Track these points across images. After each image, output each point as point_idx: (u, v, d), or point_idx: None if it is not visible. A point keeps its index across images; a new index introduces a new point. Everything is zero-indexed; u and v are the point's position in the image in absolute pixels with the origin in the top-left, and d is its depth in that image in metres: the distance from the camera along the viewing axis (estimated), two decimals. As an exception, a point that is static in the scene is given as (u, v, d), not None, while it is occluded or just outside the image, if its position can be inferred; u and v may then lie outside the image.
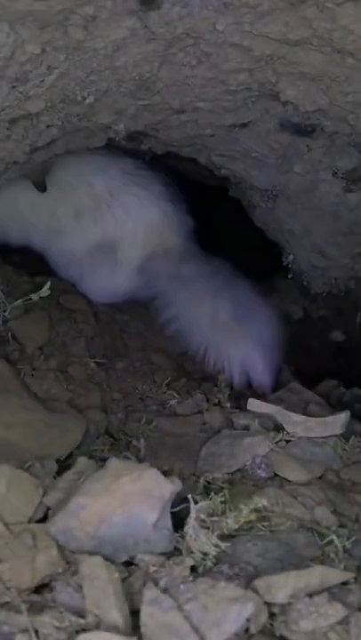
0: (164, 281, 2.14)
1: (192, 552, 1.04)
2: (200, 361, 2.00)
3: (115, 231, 2.16)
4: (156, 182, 2.23)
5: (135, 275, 2.19)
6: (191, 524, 1.07)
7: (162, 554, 1.04)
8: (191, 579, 0.97)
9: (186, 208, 2.27)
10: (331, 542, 1.13)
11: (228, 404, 1.74)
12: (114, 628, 0.86)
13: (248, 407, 1.66)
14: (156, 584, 0.95)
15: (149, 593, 0.90)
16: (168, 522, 1.06)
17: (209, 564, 1.03)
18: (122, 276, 2.18)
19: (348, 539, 1.14)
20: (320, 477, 1.44)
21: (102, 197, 2.16)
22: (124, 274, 2.17)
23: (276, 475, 1.42)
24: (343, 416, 1.59)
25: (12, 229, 2.26)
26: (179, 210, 2.25)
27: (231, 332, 1.95)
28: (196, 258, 2.20)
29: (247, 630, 0.89)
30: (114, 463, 1.11)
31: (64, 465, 1.36)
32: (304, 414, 1.61)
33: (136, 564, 1.03)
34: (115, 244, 2.16)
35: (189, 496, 1.10)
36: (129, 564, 1.04)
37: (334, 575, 0.99)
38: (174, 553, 1.05)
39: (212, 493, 1.23)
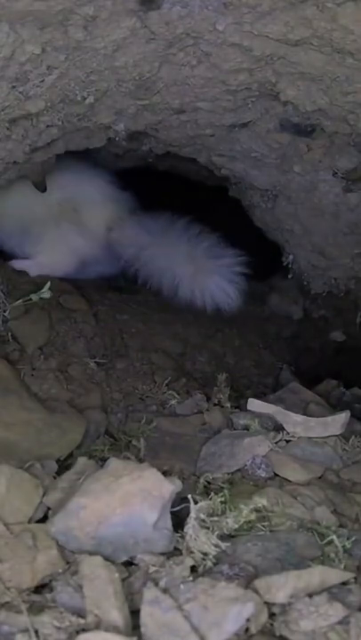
0: (132, 249, 2.38)
1: (192, 552, 1.04)
2: (173, 295, 2.29)
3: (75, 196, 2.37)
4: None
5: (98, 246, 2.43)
6: (191, 524, 1.07)
7: (162, 554, 1.04)
8: (191, 579, 0.97)
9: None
10: (331, 542, 1.12)
11: (228, 404, 1.74)
12: (114, 628, 0.86)
13: (248, 407, 1.66)
14: (156, 584, 0.95)
15: (149, 593, 0.90)
16: (168, 522, 1.06)
17: (209, 563, 1.03)
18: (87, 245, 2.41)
19: (348, 539, 1.14)
20: (320, 477, 1.44)
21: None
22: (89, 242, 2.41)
23: (276, 475, 1.42)
24: (343, 416, 1.59)
25: None
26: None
27: (203, 265, 2.27)
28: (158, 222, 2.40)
29: (247, 630, 0.89)
30: (114, 463, 1.11)
31: (64, 465, 1.36)
32: (304, 414, 1.61)
33: (136, 564, 1.03)
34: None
35: (189, 496, 1.10)
36: (129, 563, 1.04)
37: (334, 575, 0.99)
38: (174, 553, 1.05)
39: (212, 493, 1.23)
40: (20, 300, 1.80)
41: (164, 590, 0.93)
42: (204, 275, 2.26)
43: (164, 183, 2.89)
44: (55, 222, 2.34)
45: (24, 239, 2.35)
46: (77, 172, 2.37)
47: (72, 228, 2.35)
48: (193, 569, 1.01)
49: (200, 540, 1.05)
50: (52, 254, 2.32)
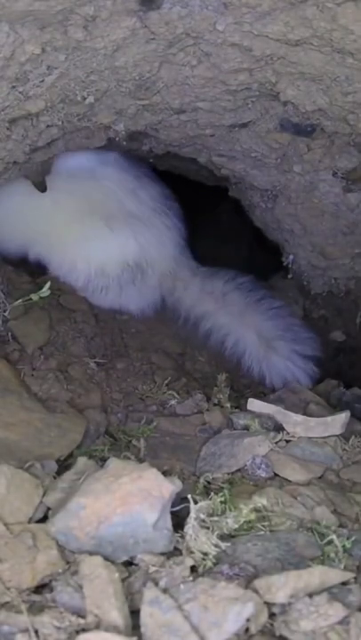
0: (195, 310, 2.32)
1: (192, 552, 1.04)
2: (244, 371, 2.24)
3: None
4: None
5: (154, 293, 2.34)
6: (191, 524, 1.07)
7: (162, 554, 1.04)
8: (191, 579, 0.97)
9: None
10: (331, 542, 1.12)
11: (228, 404, 1.74)
12: (114, 628, 0.86)
13: (248, 407, 1.66)
14: (156, 584, 0.95)
15: (149, 593, 0.90)
16: (168, 522, 1.06)
17: (209, 563, 1.03)
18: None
19: (348, 539, 1.14)
20: (320, 477, 1.44)
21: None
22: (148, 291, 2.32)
23: (276, 475, 1.42)
24: (343, 416, 1.59)
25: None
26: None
27: (275, 346, 2.22)
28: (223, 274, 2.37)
29: (247, 630, 0.89)
30: (114, 463, 1.11)
31: (64, 465, 1.36)
32: (304, 414, 1.61)
33: (136, 564, 1.03)
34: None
35: (189, 496, 1.10)
36: (129, 563, 1.04)
37: (334, 575, 0.99)
38: (174, 553, 1.05)
39: (212, 493, 1.23)
40: (20, 300, 1.80)
41: (164, 590, 0.93)
42: (276, 355, 2.20)
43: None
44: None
45: None
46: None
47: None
48: (193, 569, 1.01)
49: (200, 540, 1.05)
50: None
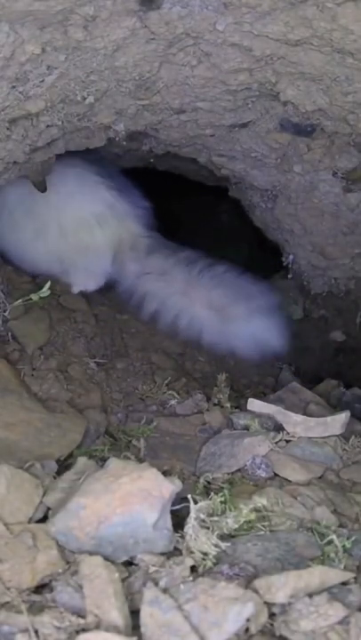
0: (133, 277, 2.19)
1: (192, 552, 1.04)
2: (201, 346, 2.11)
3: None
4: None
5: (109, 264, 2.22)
6: (191, 524, 1.07)
7: (162, 554, 1.04)
8: (191, 579, 0.97)
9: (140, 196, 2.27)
10: (331, 542, 1.12)
11: (228, 404, 1.74)
12: (114, 628, 0.86)
13: (248, 407, 1.66)
14: (156, 584, 0.95)
15: (149, 593, 0.90)
16: (168, 522, 1.06)
17: (209, 564, 1.03)
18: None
19: (348, 539, 1.14)
20: (320, 477, 1.44)
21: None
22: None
23: (276, 475, 1.42)
24: (343, 416, 1.59)
25: None
26: (127, 199, 2.24)
27: (230, 313, 2.05)
28: (164, 250, 2.22)
29: (247, 630, 0.89)
30: (114, 463, 1.11)
31: (64, 465, 1.36)
32: (304, 414, 1.61)
33: (136, 564, 1.03)
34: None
35: (189, 496, 1.10)
36: (129, 563, 1.04)
37: (334, 575, 0.99)
38: (174, 553, 1.05)
39: (212, 493, 1.23)
40: (20, 300, 1.80)
41: (164, 590, 0.93)
42: (234, 321, 2.06)
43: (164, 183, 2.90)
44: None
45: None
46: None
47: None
48: (193, 569, 1.01)
49: (200, 540, 1.05)
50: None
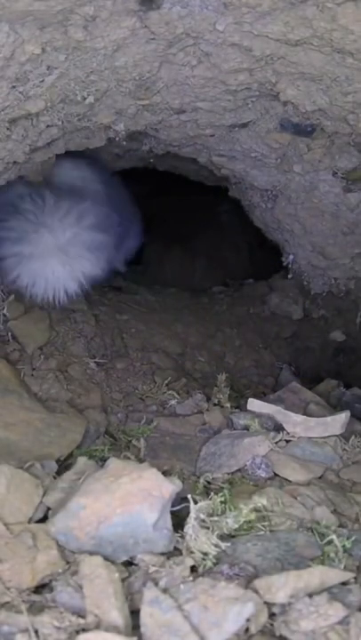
0: None
1: (192, 552, 1.04)
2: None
3: None
4: None
5: None
6: (191, 524, 1.07)
7: (162, 554, 1.04)
8: (191, 579, 0.97)
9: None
10: (331, 542, 1.12)
11: (228, 404, 1.74)
12: (114, 628, 0.86)
13: (248, 407, 1.66)
14: (156, 584, 0.95)
15: (149, 593, 0.90)
16: (168, 522, 1.06)
17: (209, 564, 1.03)
18: None
19: (348, 539, 1.14)
20: (320, 477, 1.44)
21: None
22: None
23: (276, 475, 1.42)
24: (343, 416, 1.59)
25: None
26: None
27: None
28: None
29: (247, 630, 0.89)
30: (114, 463, 1.11)
31: (64, 465, 1.36)
32: (304, 414, 1.61)
33: (136, 564, 1.03)
34: None
35: (189, 496, 1.10)
36: (129, 563, 1.04)
37: (334, 575, 0.99)
38: (174, 553, 1.05)
39: (212, 493, 1.23)
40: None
41: (164, 590, 0.93)
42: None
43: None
44: None
45: None
46: None
47: None
48: (193, 569, 1.01)
49: (200, 540, 1.05)
50: None
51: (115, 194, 2.27)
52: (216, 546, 1.06)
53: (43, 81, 1.46)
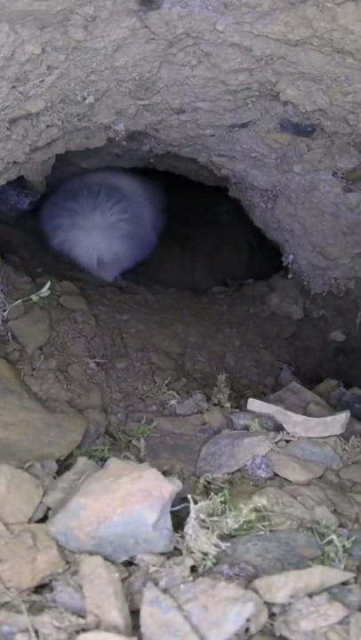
0: None
1: (192, 552, 1.04)
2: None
3: None
4: None
5: None
6: (191, 524, 1.07)
7: (162, 554, 1.04)
8: (191, 579, 0.97)
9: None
10: (331, 542, 1.12)
11: (228, 404, 1.74)
12: (114, 628, 0.86)
13: (248, 407, 1.66)
14: (156, 584, 0.95)
15: (149, 593, 0.90)
16: (168, 522, 1.06)
17: (209, 564, 1.03)
18: None
19: (348, 539, 1.14)
20: (320, 477, 1.44)
21: None
22: None
23: (276, 475, 1.42)
24: (343, 416, 1.59)
25: None
26: None
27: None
28: None
29: (247, 630, 0.89)
30: (114, 463, 1.11)
31: (64, 465, 1.36)
32: (304, 414, 1.61)
33: (136, 564, 1.03)
34: None
35: (189, 496, 1.10)
36: (129, 563, 1.04)
37: (334, 575, 0.99)
38: (174, 553, 1.05)
39: (212, 493, 1.23)
40: (20, 300, 1.80)
41: (164, 590, 0.93)
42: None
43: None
44: None
45: None
46: None
47: None
48: (193, 569, 1.01)
49: (200, 540, 1.05)
50: None
51: (154, 211, 3.00)
52: (216, 546, 1.06)
53: (43, 81, 1.46)
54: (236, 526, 1.13)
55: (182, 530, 1.07)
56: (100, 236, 2.66)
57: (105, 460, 1.18)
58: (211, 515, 1.13)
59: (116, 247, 2.70)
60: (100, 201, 2.66)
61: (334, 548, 1.11)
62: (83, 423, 1.51)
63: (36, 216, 2.83)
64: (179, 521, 1.09)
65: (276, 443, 1.49)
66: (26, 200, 2.71)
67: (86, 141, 1.90)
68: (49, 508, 1.13)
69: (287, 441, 1.53)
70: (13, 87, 1.43)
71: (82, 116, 1.70)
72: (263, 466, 1.42)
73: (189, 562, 1.01)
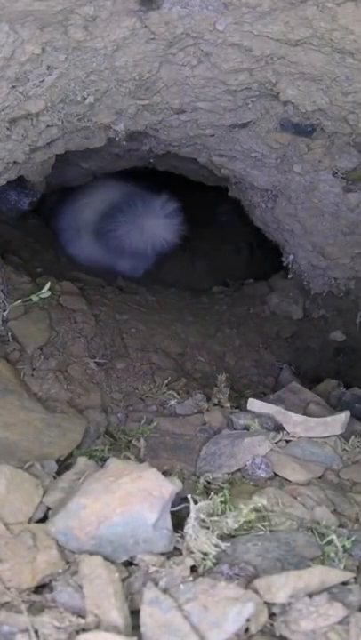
0: None
1: (192, 552, 1.04)
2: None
3: None
4: None
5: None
6: (191, 524, 1.07)
7: (162, 554, 1.04)
8: (191, 579, 0.97)
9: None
10: (331, 542, 1.12)
11: (228, 404, 1.74)
12: (114, 628, 0.86)
13: (248, 407, 1.66)
14: (156, 584, 0.95)
15: (149, 593, 0.90)
16: (168, 522, 1.06)
17: (209, 564, 1.03)
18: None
19: (348, 539, 1.14)
20: (320, 477, 1.44)
21: None
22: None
23: (276, 475, 1.42)
24: (343, 416, 1.59)
25: None
26: None
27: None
28: None
29: (247, 630, 0.89)
30: (114, 463, 1.11)
31: (64, 465, 1.36)
32: (304, 414, 1.61)
33: (136, 564, 1.03)
34: None
35: (189, 496, 1.10)
36: (129, 563, 1.04)
37: (334, 575, 0.99)
38: (174, 553, 1.05)
39: (212, 493, 1.23)
40: (20, 300, 1.80)
41: (164, 590, 0.93)
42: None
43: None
44: None
45: None
46: None
47: None
48: (193, 569, 1.01)
49: (200, 540, 1.05)
50: None
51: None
52: (216, 546, 1.05)
53: (43, 81, 1.46)
54: (236, 526, 1.13)
55: (182, 530, 1.07)
56: (160, 222, 2.84)
57: (105, 460, 1.18)
58: (211, 515, 1.13)
59: (169, 238, 2.88)
60: (155, 199, 2.86)
61: (334, 548, 1.11)
62: (83, 423, 1.51)
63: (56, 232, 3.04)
64: (179, 521, 1.09)
65: (276, 443, 1.49)
66: (26, 200, 2.72)
67: (86, 141, 1.90)
68: (49, 508, 1.13)
69: (287, 441, 1.53)
70: (13, 87, 1.43)
71: (82, 116, 1.70)
72: (263, 466, 1.42)
73: (189, 562, 1.01)
